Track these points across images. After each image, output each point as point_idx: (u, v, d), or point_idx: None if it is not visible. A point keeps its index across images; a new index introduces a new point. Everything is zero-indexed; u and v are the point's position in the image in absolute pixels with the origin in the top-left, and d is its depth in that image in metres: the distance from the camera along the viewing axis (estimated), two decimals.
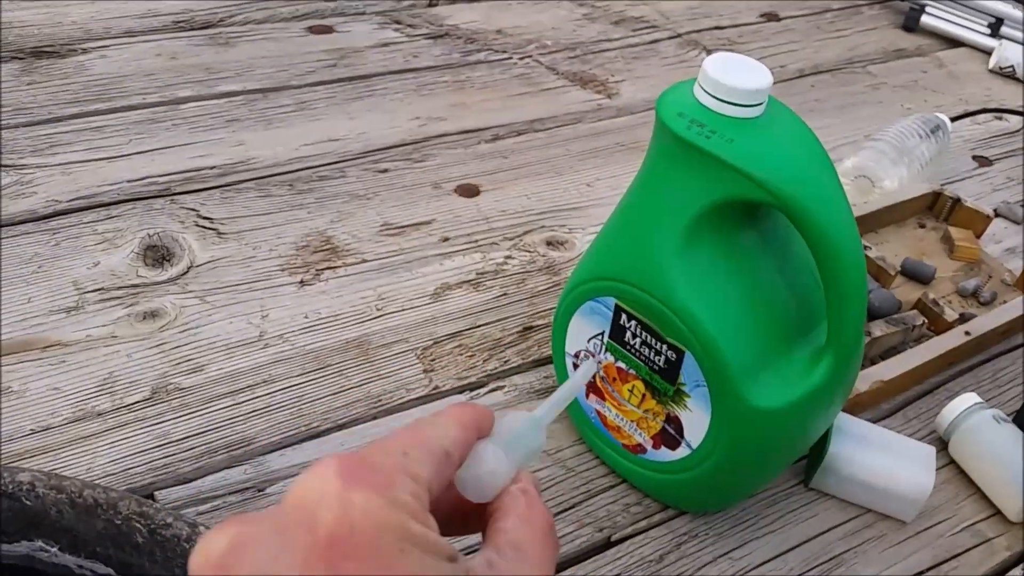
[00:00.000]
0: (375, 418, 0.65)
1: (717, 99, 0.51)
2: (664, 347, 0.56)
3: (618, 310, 0.57)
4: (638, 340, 0.57)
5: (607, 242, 0.59)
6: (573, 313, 0.61)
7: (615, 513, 0.62)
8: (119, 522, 0.40)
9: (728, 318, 0.53)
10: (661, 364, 0.57)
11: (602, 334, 0.60)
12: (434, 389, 0.68)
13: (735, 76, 0.51)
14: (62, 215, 0.76)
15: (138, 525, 0.40)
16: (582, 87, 1.04)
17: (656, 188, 0.55)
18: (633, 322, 0.57)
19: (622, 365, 0.59)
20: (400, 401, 0.67)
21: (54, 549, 0.42)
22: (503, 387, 0.69)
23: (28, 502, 0.41)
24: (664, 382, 0.57)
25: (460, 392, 0.68)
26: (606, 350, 0.60)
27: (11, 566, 0.43)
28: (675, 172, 0.53)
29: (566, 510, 0.62)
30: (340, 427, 0.64)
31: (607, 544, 0.60)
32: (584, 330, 0.61)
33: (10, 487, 0.40)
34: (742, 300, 0.54)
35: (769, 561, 0.61)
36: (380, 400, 0.66)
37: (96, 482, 0.43)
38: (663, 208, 0.54)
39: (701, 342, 0.53)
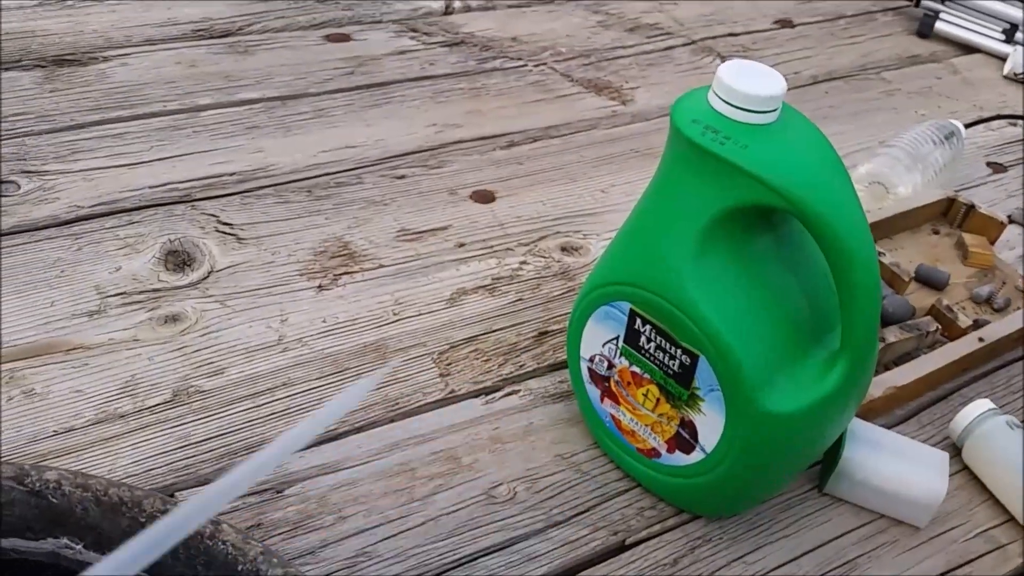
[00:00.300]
0: (392, 421, 0.66)
1: (731, 105, 0.52)
2: (678, 351, 0.56)
3: (633, 315, 0.58)
4: (652, 345, 0.58)
5: (622, 247, 0.60)
6: (588, 318, 0.62)
7: (629, 517, 0.63)
8: (143, 520, 0.41)
9: (742, 322, 0.54)
10: (675, 368, 0.57)
11: (617, 338, 0.60)
12: (450, 393, 0.69)
13: (749, 83, 0.51)
14: (84, 220, 0.77)
15: None
16: (597, 94, 1.05)
17: (670, 194, 0.56)
18: (648, 327, 0.57)
19: (636, 369, 0.60)
20: (417, 404, 0.67)
21: (79, 547, 0.42)
22: (518, 391, 0.70)
23: (54, 500, 0.42)
24: (678, 386, 0.58)
25: (476, 396, 0.69)
26: (621, 354, 0.61)
27: (36, 563, 0.44)
28: (689, 178, 0.54)
29: (580, 513, 0.62)
30: (358, 430, 0.65)
31: (621, 548, 0.61)
32: (599, 335, 0.61)
33: (37, 485, 0.41)
34: (756, 305, 0.54)
35: (783, 565, 0.62)
36: (397, 403, 0.67)
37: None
38: (677, 213, 0.55)
39: (715, 346, 0.54)
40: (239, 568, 0.40)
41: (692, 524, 0.63)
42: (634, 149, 0.97)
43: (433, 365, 0.71)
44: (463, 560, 0.58)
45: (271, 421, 0.64)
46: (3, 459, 0.56)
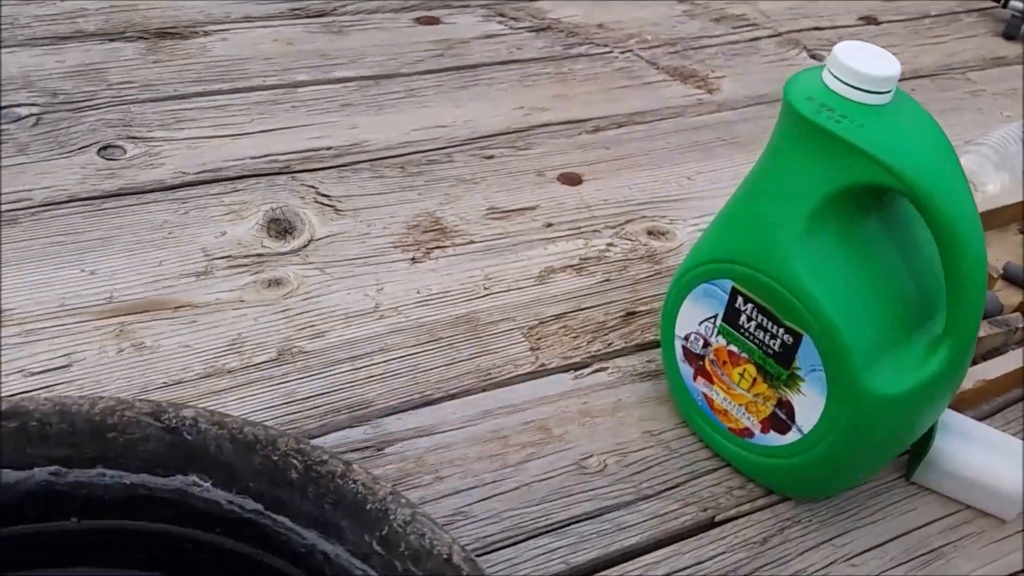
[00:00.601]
0: (484, 390, 0.67)
1: (847, 85, 0.52)
2: (781, 331, 0.57)
3: (734, 293, 0.59)
4: (753, 323, 0.58)
5: (726, 225, 0.60)
6: (686, 296, 0.62)
7: (719, 495, 0.63)
8: (276, 458, 0.42)
9: (850, 303, 0.54)
10: (776, 348, 0.58)
11: (715, 317, 0.61)
12: (540, 366, 0.70)
13: (866, 63, 0.52)
14: (190, 186, 0.79)
15: (295, 461, 0.42)
16: (682, 82, 1.06)
17: (781, 172, 0.56)
18: (750, 305, 0.58)
19: (734, 348, 0.61)
20: (508, 376, 0.69)
21: (207, 484, 0.44)
22: (607, 368, 0.71)
23: (189, 437, 0.43)
24: (778, 366, 0.58)
25: (565, 371, 0.70)
26: (718, 333, 0.61)
27: (163, 499, 0.46)
28: (802, 156, 0.54)
29: (669, 489, 0.63)
30: (452, 397, 0.66)
31: (711, 524, 0.62)
32: (696, 313, 0.62)
33: (173, 422, 0.43)
34: (864, 285, 0.55)
35: (870, 550, 0.62)
36: (489, 374, 0.69)
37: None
38: (788, 191, 0.55)
39: (822, 326, 0.54)
40: (367, 507, 0.41)
41: (781, 505, 0.63)
42: (720, 138, 0.98)
43: (523, 339, 0.72)
44: (556, 525, 0.59)
45: (370, 384, 0.66)
46: None
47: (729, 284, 0.59)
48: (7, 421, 0.42)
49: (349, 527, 0.42)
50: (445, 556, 0.39)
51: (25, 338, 0.64)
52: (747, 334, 0.59)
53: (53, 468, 0.43)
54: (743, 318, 0.59)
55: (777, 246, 0.55)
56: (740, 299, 0.58)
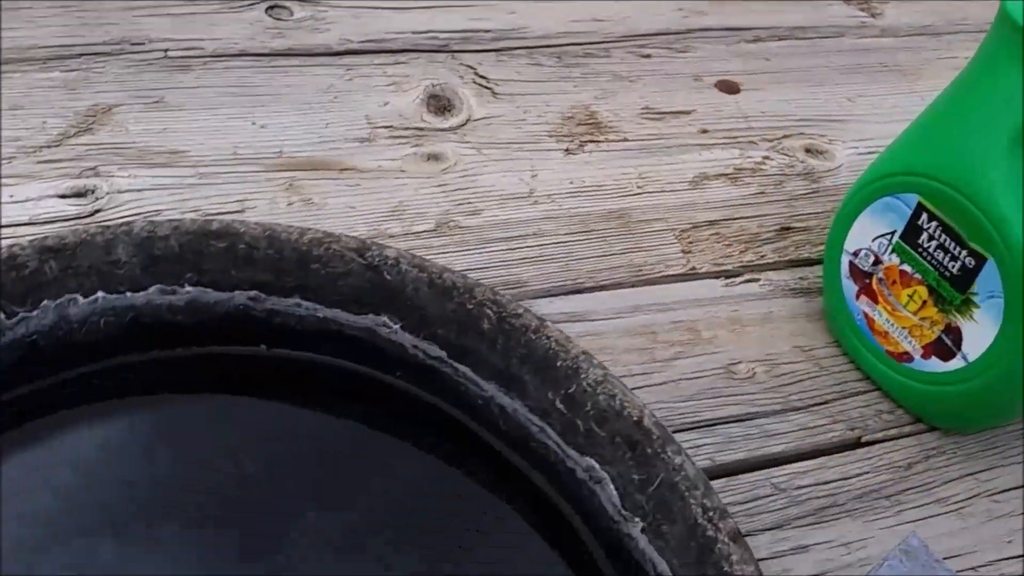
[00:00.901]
0: (635, 286, 0.67)
1: None
2: (963, 253, 0.55)
3: (919, 209, 0.57)
4: (934, 243, 0.57)
5: (920, 137, 0.58)
6: (863, 209, 0.61)
7: (867, 416, 0.62)
8: (471, 307, 0.43)
9: None
10: (955, 271, 0.56)
11: (892, 234, 0.59)
12: (691, 270, 0.69)
13: None
14: (354, 54, 0.80)
15: (489, 312, 0.43)
16: (845, 2, 1.01)
17: (990, 86, 0.53)
18: (934, 223, 0.56)
19: (907, 268, 0.59)
20: (660, 275, 0.68)
21: (396, 326, 0.45)
22: (758, 280, 0.70)
23: (388, 277, 0.44)
24: (953, 290, 0.56)
25: (716, 277, 0.69)
26: (892, 251, 0.59)
27: (351, 337, 0.46)
28: (1015, 72, 0.52)
29: (817, 404, 0.62)
30: (603, 288, 0.66)
31: (857, 444, 0.61)
32: (871, 228, 0.60)
33: (376, 260, 0.44)
34: None
35: (1014, 489, 0.61)
36: (641, 270, 0.68)
37: None
38: (995, 107, 0.53)
39: (1012, 251, 0.52)
40: (558, 364, 0.41)
41: (927, 435, 0.62)
42: (883, 63, 0.94)
43: (675, 241, 0.71)
44: (703, 423, 0.59)
45: (523, 265, 0.66)
46: None
47: (915, 199, 0.57)
48: (217, 241, 0.43)
49: (532, 383, 0.42)
50: (635, 419, 0.39)
51: (200, 180, 0.66)
52: (925, 254, 0.57)
53: (252, 293, 0.44)
54: (924, 236, 0.57)
55: (977, 163, 0.53)
56: (925, 216, 0.56)
